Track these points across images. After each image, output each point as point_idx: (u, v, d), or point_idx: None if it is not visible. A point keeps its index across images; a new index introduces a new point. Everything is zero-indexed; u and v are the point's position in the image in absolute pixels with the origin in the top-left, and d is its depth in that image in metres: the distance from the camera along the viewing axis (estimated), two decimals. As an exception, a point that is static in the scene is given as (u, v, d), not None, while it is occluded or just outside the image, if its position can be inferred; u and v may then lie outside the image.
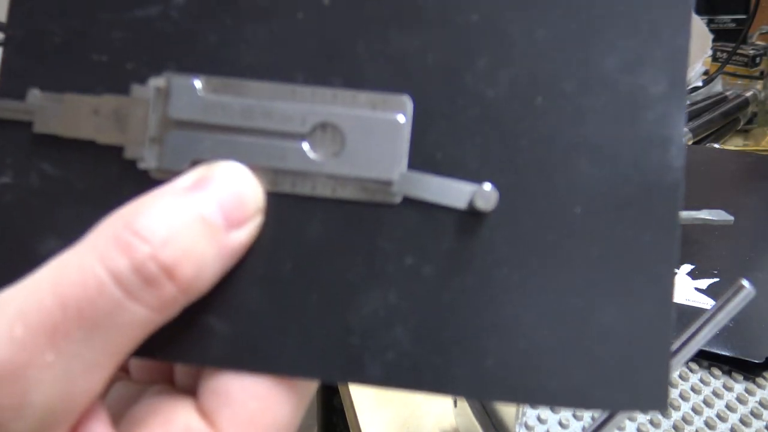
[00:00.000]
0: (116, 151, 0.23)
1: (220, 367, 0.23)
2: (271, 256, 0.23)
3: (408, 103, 0.23)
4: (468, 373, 0.23)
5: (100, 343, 0.19)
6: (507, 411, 0.42)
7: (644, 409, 0.22)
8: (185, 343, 0.23)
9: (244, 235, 0.22)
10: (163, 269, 0.20)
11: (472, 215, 0.23)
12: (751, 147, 1.02)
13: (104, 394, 0.26)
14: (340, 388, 0.57)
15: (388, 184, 0.23)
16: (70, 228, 0.23)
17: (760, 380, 0.51)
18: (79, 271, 0.19)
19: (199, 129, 0.23)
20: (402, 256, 0.23)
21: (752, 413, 0.49)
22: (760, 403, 0.50)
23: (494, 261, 0.23)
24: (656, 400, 0.22)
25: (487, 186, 0.22)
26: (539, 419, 0.48)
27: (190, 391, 0.24)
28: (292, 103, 0.23)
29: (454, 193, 0.23)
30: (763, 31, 1.16)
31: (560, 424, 0.48)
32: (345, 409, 0.57)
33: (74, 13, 0.24)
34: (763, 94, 1.07)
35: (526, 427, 0.47)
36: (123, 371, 0.28)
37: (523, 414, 0.45)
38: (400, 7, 0.23)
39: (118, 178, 0.23)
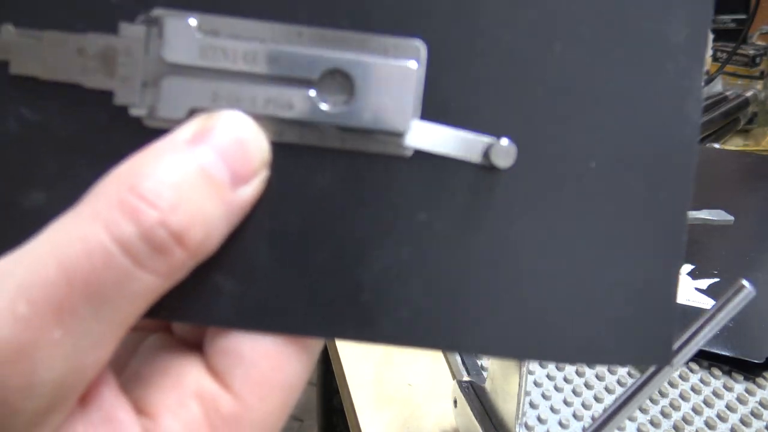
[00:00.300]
0: (105, 95, 0.21)
1: (229, 327, 0.22)
2: (278, 211, 0.22)
3: (421, 48, 0.22)
4: (482, 329, 0.22)
5: (108, 314, 0.18)
6: (507, 411, 0.42)
7: (649, 363, 0.23)
8: (191, 302, 0.22)
9: (250, 190, 0.21)
10: (172, 235, 0.18)
11: (486, 169, 0.22)
12: (751, 147, 1.02)
13: None
14: (341, 389, 0.56)
15: (399, 135, 0.22)
16: (57, 179, 0.22)
17: (760, 380, 0.52)
18: (84, 240, 0.18)
19: (197, 74, 0.21)
20: (414, 211, 0.22)
21: (752, 413, 0.49)
22: (761, 404, 0.50)
23: (509, 215, 0.22)
24: (661, 354, 0.23)
25: (505, 141, 0.22)
26: (539, 419, 0.47)
27: (191, 342, 0.23)
28: (299, 47, 0.21)
29: (469, 145, 0.22)
30: (764, 31, 1.15)
31: (560, 424, 0.47)
32: (345, 410, 0.56)
33: None
34: (763, 94, 1.08)
35: (526, 427, 0.47)
36: None
37: (524, 414, 0.44)
38: None
39: (108, 126, 0.22)
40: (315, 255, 0.22)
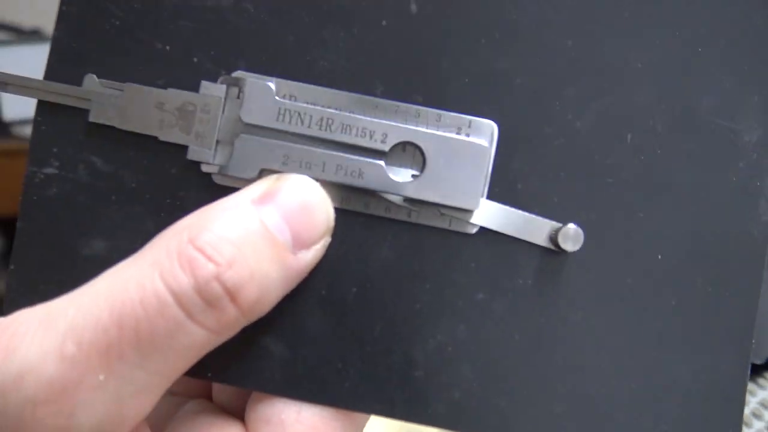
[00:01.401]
0: (177, 150, 0.22)
1: (276, 394, 0.21)
2: (336, 279, 0.22)
3: (494, 128, 0.22)
4: (535, 419, 0.22)
5: (155, 365, 0.18)
6: None
7: None
8: (240, 365, 0.21)
9: (311, 255, 0.21)
10: (226, 291, 0.18)
11: (550, 253, 0.22)
12: None
13: None
14: None
15: (466, 212, 0.22)
16: (119, 230, 0.22)
17: (761, 380, 0.50)
18: (139, 287, 0.18)
19: (271, 135, 0.21)
20: (474, 289, 0.22)
21: (753, 414, 0.47)
22: (761, 404, 0.48)
23: (570, 302, 0.22)
24: None
25: (572, 226, 0.21)
26: None
27: (231, 410, 0.23)
28: (373, 117, 0.22)
29: (534, 227, 0.22)
30: None
31: None
32: None
33: None
34: None
35: None
36: None
37: None
38: (493, 22, 0.22)
39: (177, 180, 0.22)
40: (370, 327, 0.21)
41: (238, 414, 0.22)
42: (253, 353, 0.21)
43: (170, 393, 0.25)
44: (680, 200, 0.22)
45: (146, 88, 0.22)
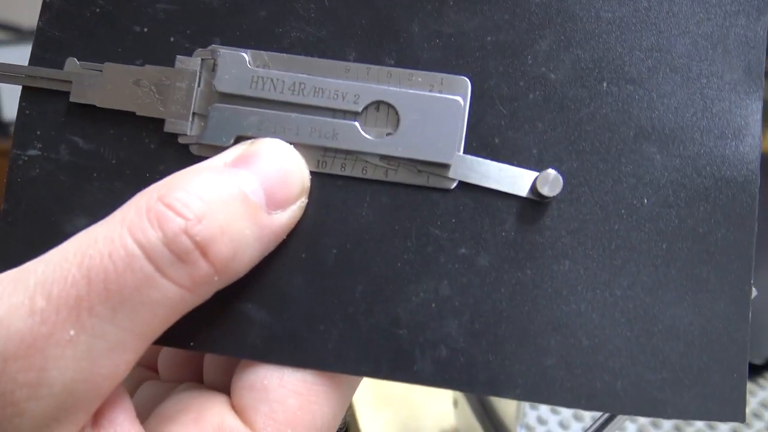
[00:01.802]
0: (155, 124, 0.22)
1: (258, 360, 0.21)
2: (315, 241, 0.21)
3: (467, 84, 0.22)
4: (526, 373, 0.21)
5: (127, 321, 0.18)
6: (507, 411, 0.41)
7: (721, 420, 0.20)
8: (221, 332, 0.21)
9: (286, 216, 0.21)
10: (196, 245, 0.18)
11: (531, 204, 0.21)
12: None
13: (131, 391, 0.24)
14: None
15: (443, 167, 0.22)
16: (101, 206, 0.22)
17: (761, 381, 0.51)
18: (107, 242, 0.18)
19: (245, 103, 0.22)
20: (456, 245, 0.21)
21: (754, 414, 0.48)
22: (762, 404, 0.49)
23: (556, 253, 0.21)
24: (733, 409, 0.20)
25: (552, 171, 0.21)
26: (539, 420, 0.46)
27: (221, 389, 0.22)
28: (346, 80, 0.22)
29: (514, 178, 0.21)
30: None
31: (561, 424, 0.46)
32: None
33: None
34: (766, 95, 1.07)
35: (527, 427, 0.45)
36: (152, 370, 0.26)
37: (524, 414, 0.44)
38: None
39: (156, 153, 0.22)
40: (351, 287, 0.21)
41: (228, 391, 0.22)
42: (235, 320, 0.21)
43: (162, 380, 0.25)
44: (663, 143, 0.21)
45: (124, 66, 0.22)
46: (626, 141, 0.22)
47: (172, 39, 0.22)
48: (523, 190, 0.21)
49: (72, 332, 0.17)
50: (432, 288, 0.21)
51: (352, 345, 0.21)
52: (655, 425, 0.46)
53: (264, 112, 0.22)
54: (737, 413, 0.20)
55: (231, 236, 0.19)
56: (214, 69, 0.22)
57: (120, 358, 0.18)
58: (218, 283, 0.19)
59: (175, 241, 0.18)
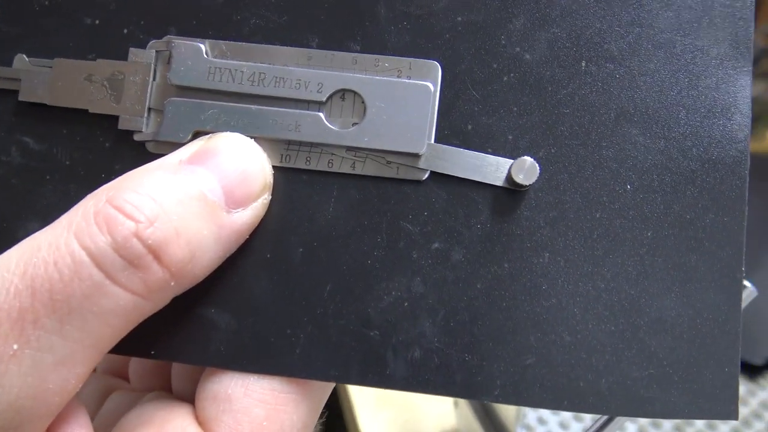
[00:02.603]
0: (110, 121, 0.21)
1: (222, 367, 0.20)
2: (281, 239, 0.20)
3: (437, 69, 0.21)
4: (504, 373, 0.20)
5: (76, 332, 0.17)
6: (507, 412, 0.40)
7: (712, 417, 0.19)
8: (183, 339, 0.20)
9: (248, 215, 0.19)
10: (149, 249, 0.17)
11: (508, 193, 0.20)
12: (753, 148, 1.00)
13: (101, 400, 0.23)
14: (340, 390, 0.55)
15: (413, 157, 0.20)
16: (56, 209, 0.21)
17: (761, 381, 0.50)
18: (52, 249, 0.17)
19: (203, 96, 0.21)
20: (429, 239, 0.20)
21: (754, 414, 0.47)
22: (762, 404, 0.48)
23: (534, 244, 0.20)
24: (725, 406, 0.19)
25: (527, 158, 0.20)
26: (539, 420, 0.46)
27: (189, 398, 0.21)
28: (308, 68, 0.21)
29: (488, 167, 0.20)
30: (766, 32, 1.14)
31: (561, 425, 0.46)
32: (345, 411, 0.54)
33: None
34: (766, 95, 1.05)
35: (527, 428, 0.45)
36: (123, 379, 0.25)
37: (524, 415, 0.44)
38: None
39: (111, 152, 0.21)
40: (319, 288, 0.20)
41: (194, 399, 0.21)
42: (198, 326, 0.20)
43: (133, 389, 0.24)
44: (646, 125, 0.20)
45: (75, 62, 0.21)
46: (607, 123, 0.20)
47: (125, 31, 0.21)
48: (498, 179, 0.20)
49: (15, 346, 0.16)
50: (404, 286, 0.20)
51: (320, 349, 0.20)
52: (655, 425, 0.46)
53: (222, 104, 0.20)
54: (729, 410, 0.19)
55: (187, 238, 0.18)
56: (169, 61, 0.21)
57: (70, 371, 0.17)
58: (176, 288, 0.18)
59: (125, 246, 0.17)
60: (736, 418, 0.19)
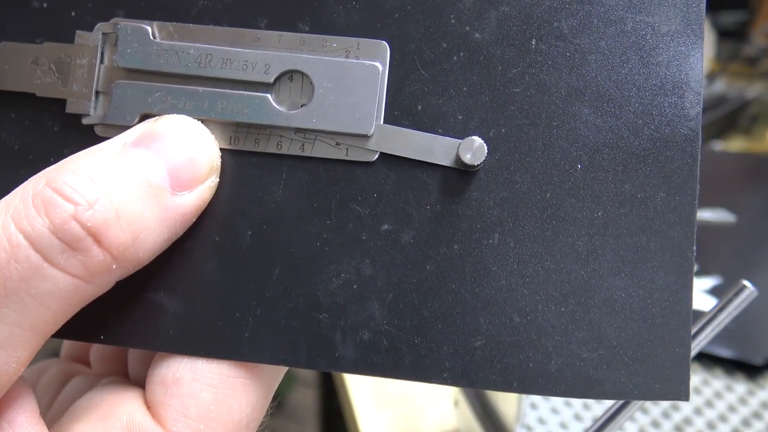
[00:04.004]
0: (58, 105, 0.21)
1: (171, 351, 0.20)
2: (229, 222, 0.20)
3: (385, 48, 0.20)
4: (454, 355, 0.19)
5: (14, 315, 0.16)
6: (507, 411, 0.40)
7: (663, 398, 0.19)
8: (132, 323, 0.20)
9: (193, 198, 0.19)
10: (88, 231, 0.17)
11: (458, 174, 0.20)
12: (753, 148, 0.99)
13: (61, 385, 0.23)
14: (340, 390, 0.55)
15: (362, 138, 0.20)
16: (3, 195, 0.21)
17: (761, 381, 0.50)
18: None
19: (150, 79, 0.20)
20: (378, 221, 0.20)
21: (754, 414, 0.47)
22: (762, 404, 0.48)
23: (483, 226, 0.20)
24: (676, 386, 0.19)
25: (475, 138, 0.19)
26: (540, 420, 0.45)
27: (144, 382, 0.21)
28: (255, 49, 0.20)
29: (437, 148, 0.20)
30: (766, 31, 1.13)
31: (561, 425, 0.45)
32: (345, 411, 0.54)
33: None
34: (765, 95, 1.05)
35: (527, 428, 0.45)
36: (85, 364, 0.25)
37: (524, 414, 0.43)
38: None
39: (60, 136, 0.21)
40: (268, 271, 0.20)
41: None
42: (145, 310, 0.20)
43: (94, 374, 0.24)
44: (596, 103, 0.20)
45: (21, 45, 0.21)
46: (557, 102, 0.20)
47: (73, 13, 0.21)
48: (447, 160, 0.20)
49: None
50: (353, 268, 0.20)
51: (269, 332, 0.20)
52: (655, 425, 0.46)
53: (169, 87, 0.20)
54: (680, 391, 0.19)
55: (128, 220, 0.17)
56: (116, 44, 0.21)
57: (9, 355, 0.17)
58: (118, 272, 0.18)
59: (63, 229, 0.17)
60: (686, 398, 0.19)
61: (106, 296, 0.18)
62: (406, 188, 0.20)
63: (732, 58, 1.11)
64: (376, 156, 0.20)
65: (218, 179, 0.20)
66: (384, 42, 0.20)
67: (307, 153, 0.20)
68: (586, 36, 0.20)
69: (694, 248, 0.19)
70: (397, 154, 0.20)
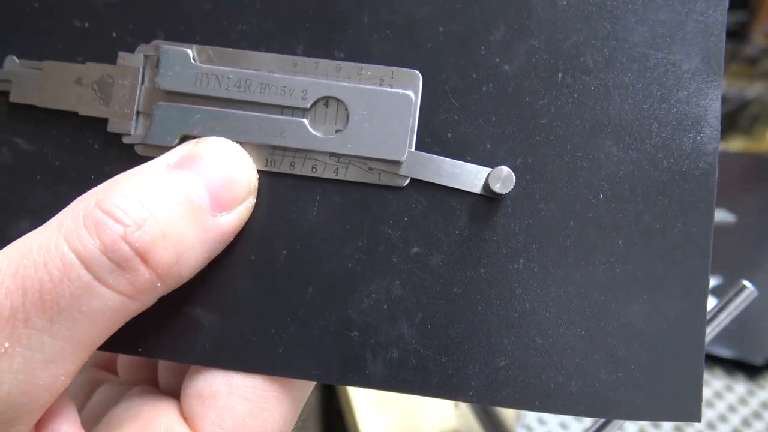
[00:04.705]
0: (99, 124, 0.21)
1: (207, 365, 0.20)
2: (265, 242, 0.21)
3: (418, 78, 0.21)
4: (479, 374, 0.20)
5: (65, 331, 0.17)
6: (507, 412, 0.41)
7: (676, 420, 0.20)
8: (169, 337, 0.21)
9: (233, 218, 0.20)
10: (136, 251, 0.18)
11: (485, 201, 0.21)
12: (753, 148, 1.00)
13: (89, 393, 0.24)
14: (340, 391, 0.56)
15: (394, 164, 0.21)
16: (46, 209, 0.21)
17: (761, 381, 0.51)
18: (42, 250, 0.17)
19: (190, 101, 0.21)
20: (408, 244, 0.21)
21: (754, 414, 0.48)
22: (762, 404, 0.49)
23: (509, 251, 0.21)
24: (690, 409, 0.20)
25: (504, 167, 0.20)
26: (540, 420, 0.47)
27: (174, 392, 0.22)
28: (293, 75, 0.21)
29: (466, 175, 0.21)
30: (766, 31, 1.14)
31: (561, 425, 0.46)
32: (344, 411, 0.55)
33: None
34: (766, 95, 1.06)
35: (527, 428, 0.46)
36: (111, 372, 0.26)
37: (524, 415, 0.44)
38: None
39: (100, 154, 0.21)
40: (302, 289, 0.21)
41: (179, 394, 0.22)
42: (183, 325, 0.21)
43: (121, 382, 0.25)
44: (619, 136, 0.21)
45: (65, 64, 0.21)
46: (582, 134, 0.21)
47: (114, 34, 0.22)
48: (476, 187, 0.21)
49: (7, 344, 0.17)
50: (384, 288, 0.21)
51: (302, 349, 0.20)
52: (655, 425, 0.47)
53: (209, 110, 0.21)
54: (693, 413, 0.20)
55: (173, 241, 0.18)
56: (157, 66, 0.21)
57: (59, 369, 0.18)
58: (162, 289, 0.19)
59: (113, 249, 0.17)
60: (698, 420, 0.20)
61: (145, 311, 0.19)
62: (436, 213, 0.21)
63: (732, 58, 1.11)
64: (407, 181, 0.21)
65: (255, 200, 0.21)
66: (416, 71, 0.21)
67: (341, 177, 0.21)
68: (610, 71, 0.21)
69: (709, 277, 0.20)
70: (428, 180, 0.21)
